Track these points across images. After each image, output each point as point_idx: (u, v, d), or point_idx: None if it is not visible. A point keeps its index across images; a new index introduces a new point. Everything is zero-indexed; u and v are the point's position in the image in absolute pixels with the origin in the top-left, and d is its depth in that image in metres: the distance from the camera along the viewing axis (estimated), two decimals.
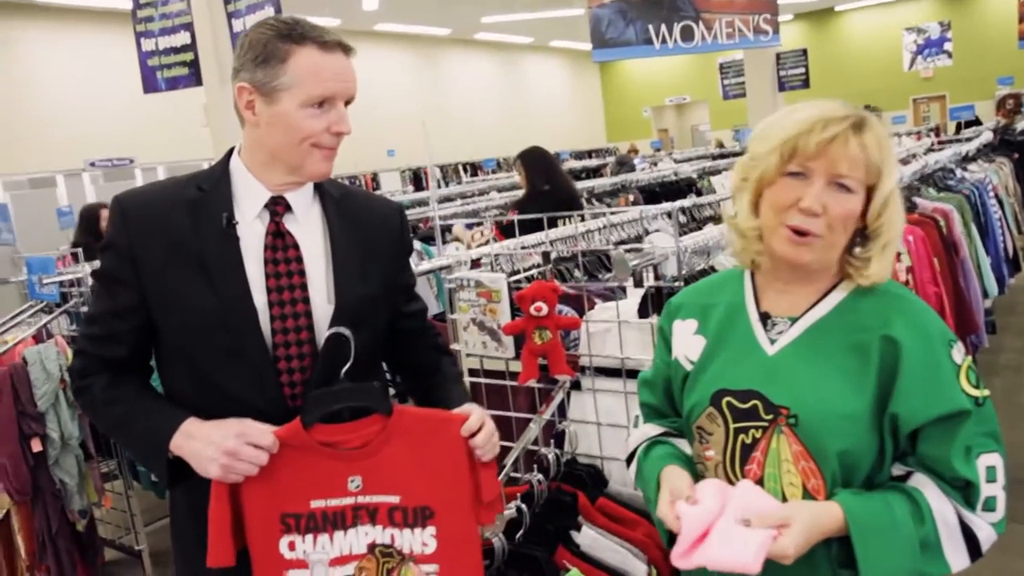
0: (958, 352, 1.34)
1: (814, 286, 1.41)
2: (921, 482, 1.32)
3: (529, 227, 3.09)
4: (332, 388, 1.53)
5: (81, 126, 13.72)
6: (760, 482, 1.36)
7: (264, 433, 1.47)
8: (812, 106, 1.37)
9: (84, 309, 3.90)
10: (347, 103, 1.58)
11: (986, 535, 1.30)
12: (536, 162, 5.01)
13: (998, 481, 1.30)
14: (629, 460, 1.62)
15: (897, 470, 1.36)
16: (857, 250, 1.38)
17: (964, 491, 1.30)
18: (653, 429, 1.59)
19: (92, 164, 13.74)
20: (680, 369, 1.51)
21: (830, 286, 1.40)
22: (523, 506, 2.02)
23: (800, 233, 1.33)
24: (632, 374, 2.32)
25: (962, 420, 1.29)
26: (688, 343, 1.50)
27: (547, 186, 4.82)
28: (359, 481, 1.51)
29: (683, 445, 1.54)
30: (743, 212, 1.44)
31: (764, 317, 1.44)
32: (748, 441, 1.38)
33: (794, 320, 1.40)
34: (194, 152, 14.01)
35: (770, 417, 1.36)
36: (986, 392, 1.34)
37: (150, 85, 6.87)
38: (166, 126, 14.08)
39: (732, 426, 1.39)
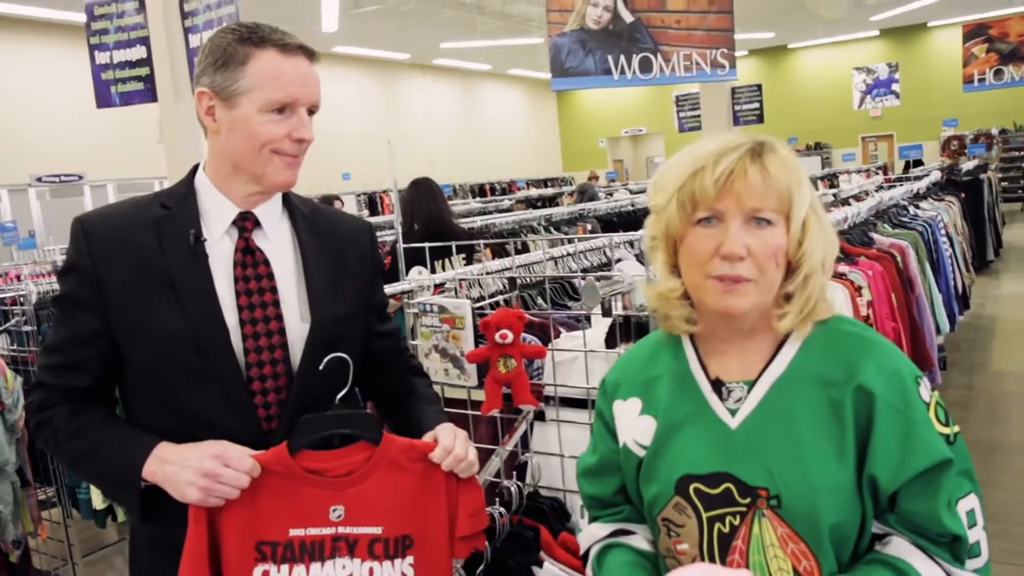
0: (925, 388, 1.22)
1: (763, 339, 1.27)
2: (904, 550, 1.19)
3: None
4: (324, 414, 1.47)
5: (28, 140, 13.43)
6: None
7: (244, 456, 1.40)
8: (705, 142, 1.26)
9: (26, 328, 3.77)
10: (311, 111, 1.52)
11: None
12: (410, 201, 4.72)
13: (979, 523, 1.20)
14: (584, 559, 1.46)
15: (875, 528, 1.23)
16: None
17: (952, 546, 1.18)
18: (601, 529, 1.42)
19: (39, 179, 13.43)
20: (631, 456, 1.33)
21: (781, 337, 1.26)
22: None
23: (730, 281, 1.19)
24: None
25: (944, 470, 1.17)
26: (635, 426, 1.32)
27: (415, 226, 4.59)
28: (341, 511, 1.45)
29: (638, 541, 1.38)
30: (660, 274, 1.30)
31: (716, 385, 1.27)
32: (726, 530, 1.22)
33: (751, 384, 1.25)
34: (146, 170, 13.80)
35: (747, 501, 1.20)
36: (956, 428, 1.22)
37: (103, 100, 6.70)
38: (117, 142, 13.84)
39: (705, 515, 1.23)
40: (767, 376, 1.24)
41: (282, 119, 1.48)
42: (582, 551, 1.47)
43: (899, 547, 1.20)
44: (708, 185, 1.19)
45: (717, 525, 1.23)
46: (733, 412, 1.25)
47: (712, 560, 1.23)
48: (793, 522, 1.18)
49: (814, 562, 1.19)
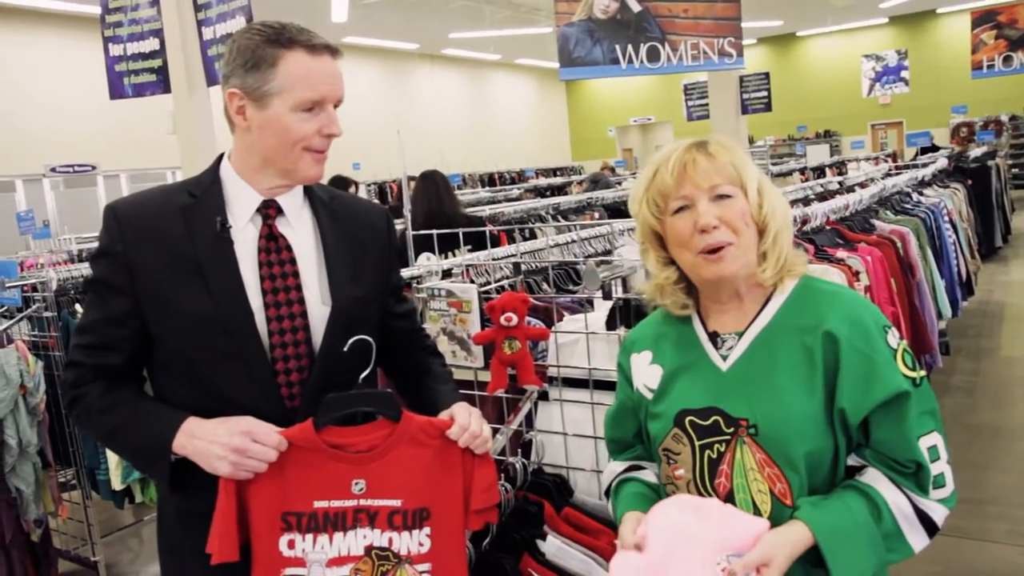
0: (893, 337, 1.41)
1: (752, 299, 1.49)
2: (874, 478, 1.39)
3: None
4: (348, 393, 1.56)
5: (43, 131, 13.51)
6: (730, 493, 1.42)
7: (271, 432, 1.49)
8: (658, 153, 1.51)
9: (47, 314, 3.87)
10: (336, 105, 1.60)
11: (939, 514, 1.39)
12: (414, 195, 4.79)
13: (942, 458, 1.38)
14: (606, 494, 1.70)
15: (852, 461, 1.42)
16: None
17: (916, 475, 1.37)
18: (618, 465, 1.66)
19: (53, 170, 13.53)
20: (642, 399, 1.57)
21: (766, 297, 1.49)
22: None
23: (713, 251, 1.42)
24: (599, 385, 2.36)
25: (905, 400, 1.36)
26: (646, 373, 1.57)
27: (418, 219, 4.67)
28: (363, 484, 1.54)
29: (647, 475, 1.62)
30: (655, 269, 1.55)
31: (713, 336, 1.51)
32: (714, 456, 1.44)
33: (740, 335, 1.48)
34: (158, 160, 13.90)
35: (731, 430, 1.42)
36: (922, 373, 1.42)
37: (117, 91, 6.78)
38: (130, 133, 13.93)
39: (697, 443, 1.46)
40: (753, 328, 1.47)
41: (312, 117, 1.56)
42: (603, 487, 1.71)
43: (871, 476, 1.40)
44: (667, 178, 1.46)
45: (707, 452, 1.45)
46: (725, 357, 1.48)
47: (702, 482, 1.45)
48: (768, 448, 1.39)
49: (786, 485, 1.39)
